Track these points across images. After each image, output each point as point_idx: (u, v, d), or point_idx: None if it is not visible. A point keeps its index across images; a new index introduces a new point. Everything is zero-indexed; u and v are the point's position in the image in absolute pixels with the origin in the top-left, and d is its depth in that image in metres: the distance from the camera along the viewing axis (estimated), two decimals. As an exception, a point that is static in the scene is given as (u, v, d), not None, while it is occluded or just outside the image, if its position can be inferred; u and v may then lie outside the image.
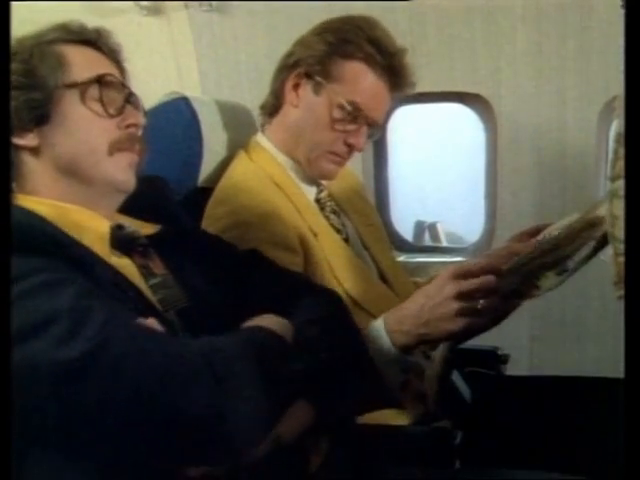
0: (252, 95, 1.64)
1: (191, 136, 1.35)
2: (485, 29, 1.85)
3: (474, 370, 1.43)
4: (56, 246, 0.83)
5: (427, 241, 2.93)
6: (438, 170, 3.35)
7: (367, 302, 1.27)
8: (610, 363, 1.60)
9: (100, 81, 0.95)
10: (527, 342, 2.04)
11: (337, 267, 1.27)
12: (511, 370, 1.49)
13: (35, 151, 0.94)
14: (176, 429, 0.74)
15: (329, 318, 1.00)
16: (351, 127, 1.30)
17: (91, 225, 0.94)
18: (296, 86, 1.32)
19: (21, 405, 0.71)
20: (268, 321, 0.92)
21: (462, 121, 2.23)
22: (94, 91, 0.95)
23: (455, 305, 1.04)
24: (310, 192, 1.37)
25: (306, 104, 1.31)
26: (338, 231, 1.36)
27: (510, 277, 1.03)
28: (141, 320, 0.81)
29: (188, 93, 1.39)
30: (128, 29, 1.96)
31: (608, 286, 0.79)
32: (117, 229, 0.96)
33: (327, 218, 1.36)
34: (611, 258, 0.80)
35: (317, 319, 0.98)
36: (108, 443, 0.74)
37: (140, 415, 0.73)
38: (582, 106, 1.86)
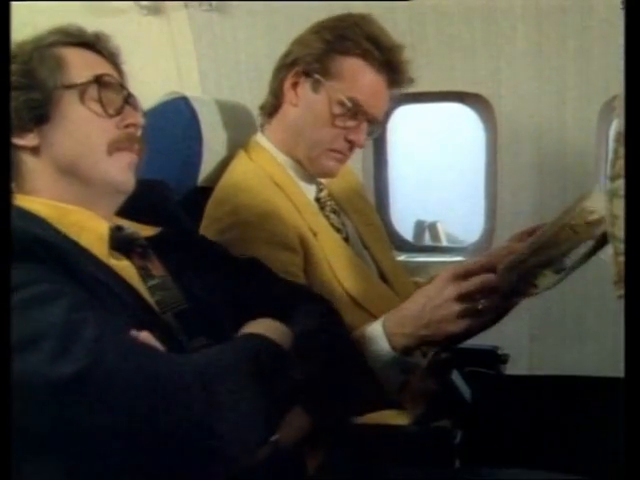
0: (252, 95, 1.63)
1: (191, 136, 1.35)
2: (485, 29, 1.85)
3: (474, 370, 1.43)
4: (50, 253, 0.82)
5: (427, 241, 2.93)
6: (438, 170, 3.35)
7: (367, 302, 1.27)
8: (610, 363, 1.60)
9: (99, 81, 0.96)
10: (527, 342, 2.04)
11: (337, 266, 1.27)
12: (511, 370, 1.49)
13: (35, 151, 0.94)
14: (168, 446, 0.74)
15: (325, 326, 1.00)
16: (351, 123, 1.30)
17: (90, 226, 0.94)
18: (295, 85, 1.32)
19: (15, 420, 0.70)
20: (265, 326, 0.92)
21: (462, 121, 2.23)
22: (93, 91, 0.95)
23: (456, 307, 1.04)
24: (310, 191, 1.37)
25: (305, 102, 1.32)
26: (338, 230, 1.36)
27: (508, 276, 1.03)
28: (134, 333, 0.80)
29: (188, 93, 1.39)
30: (128, 29, 1.96)
31: (608, 286, 0.79)
32: (116, 230, 0.96)
33: (327, 217, 1.36)
34: (611, 257, 0.80)
35: (313, 327, 0.98)
36: (101, 459, 0.75)
37: (132, 433, 0.73)
38: (582, 106, 1.85)
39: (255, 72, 1.96)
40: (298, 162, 1.35)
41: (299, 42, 1.33)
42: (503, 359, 1.46)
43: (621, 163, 0.75)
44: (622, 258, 0.76)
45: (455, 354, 1.26)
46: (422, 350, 1.17)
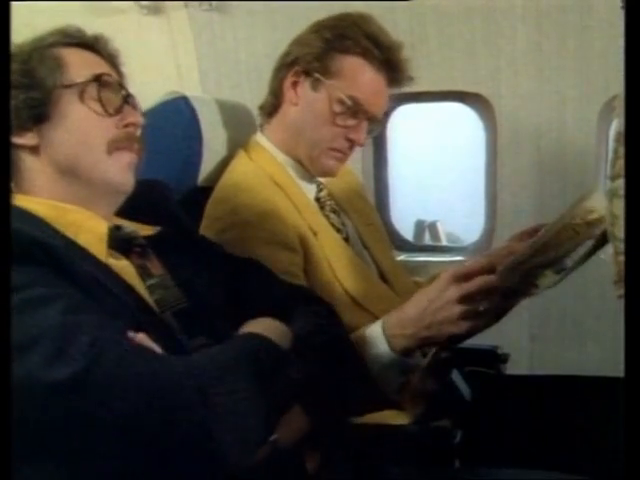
0: (252, 94, 1.63)
1: (191, 135, 1.35)
2: (485, 29, 1.85)
3: (474, 369, 1.43)
4: (48, 255, 0.82)
5: (427, 240, 2.93)
6: (438, 169, 3.35)
7: (367, 301, 1.27)
8: (610, 362, 1.60)
9: (98, 80, 0.96)
10: (527, 341, 2.04)
11: (337, 266, 1.27)
12: (511, 369, 1.49)
13: (34, 150, 0.94)
14: (165, 447, 0.74)
15: (324, 327, 1.00)
16: (351, 122, 1.30)
17: (89, 225, 0.94)
18: (295, 84, 1.32)
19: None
20: (264, 326, 0.92)
21: (462, 120, 2.24)
22: (92, 90, 0.95)
23: (458, 308, 1.05)
24: (310, 191, 1.37)
25: (305, 101, 1.32)
26: (338, 230, 1.36)
27: (509, 276, 1.03)
28: (131, 335, 0.80)
29: (188, 92, 1.39)
30: (128, 28, 1.97)
31: (608, 285, 0.79)
32: (115, 229, 0.96)
33: (327, 217, 1.36)
34: (611, 257, 0.80)
35: (312, 327, 0.98)
36: (97, 462, 0.74)
37: (128, 435, 0.73)
38: (582, 106, 1.85)
39: (255, 72, 1.96)
40: (298, 161, 1.35)
41: (299, 41, 1.33)
42: (503, 359, 1.46)
43: (621, 163, 0.75)
44: (622, 258, 0.76)
45: (455, 354, 1.26)
46: (422, 351, 1.18)
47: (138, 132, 1.00)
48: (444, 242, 2.96)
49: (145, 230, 1.02)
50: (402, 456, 1.09)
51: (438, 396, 1.24)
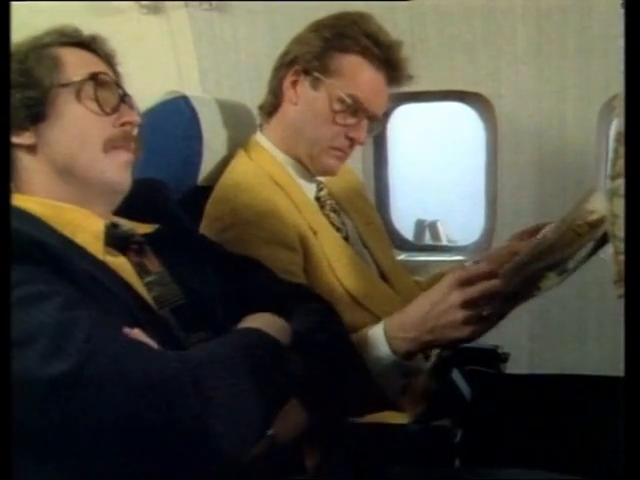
0: (252, 94, 1.63)
1: (191, 135, 1.35)
2: (485, 29, 1.85)
3: (474, 368, 1.43)
4: (45, 254, 0.82)
5: (427, 240, 2.94)
6: (438, 169, 3.35)
7: (367, 300, 1.27)
8: (610, 361, 1.60)
9: (95, 79, 0.96)
10: (527, 340, 2.04)
11: (337, 265, 1.27)
12: (511, 368, 1.49)
13: (31, 149, 0.94)
14: (161, 441, 0.74)
15: (323, 324, 1.00)
16: (351, 121, 1.30)
17: (86, 224, 0.94)
18: (294, 83, 1.32)
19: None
20: (263, 321, 0.92)
21: (462, 120, 2.24)
22: (89, 89, 0.95)
23: (461, 313, 1.05)
24: (310, 190, 1.37)
25: (305, 100, 1.32)
26: (338, 229, 1.36)
27: (511, 280, 1.03)
28: (127, 331, 0.80)
29: (188, 92, 1.39)
30: (128, 28, 1.96)
31: (608, 286, 0.79)
32: (112, 227, 0.96)
33: (327, 216, 1.36)
34: (611, 257, 0.80)
35: (311, 325, 0.98)
36: (95, 458, 0.75)
37: (124, 430, 0.73)
38: (582, 105, 1.86)
39: (255, 71, 1.96)
40: (298, 161, 1.35)
41: (298, 41, 1.33)
42: (503, 358, 1.46)
43: (621, 162, 0.75)
44: (622, 257, 0.76)
45: (455, 353, 1.26)
46: (424, 354, 1.18)
47: (135, 131, 1.00)
48: (444, 241, 2.96)
49: (143, 228, 1.02)
50: (402, 456, 1.08)
51: (438, 396, 1.24)
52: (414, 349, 1.11)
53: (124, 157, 0.98)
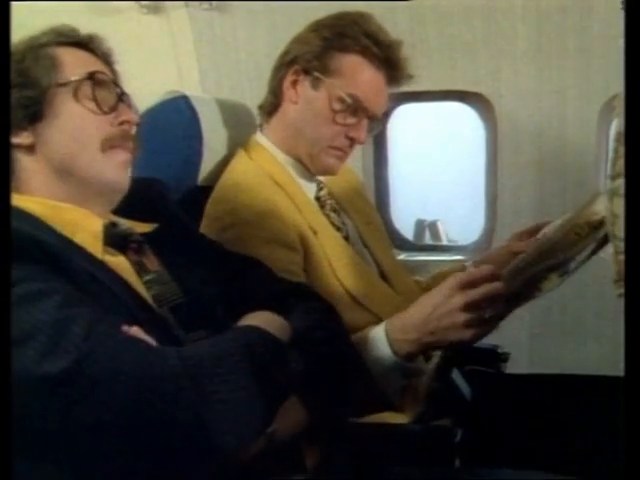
0: (252, 94, 1.63)
1: (191, 135, 1.35)
2: (485, 29, 1.85)
3: (474, 368, 1.43)
4: (45, 253, 0.82)
5: (427, 239, 2.94)
6: (438, 169, 3.35)
7: (367, 300, 1.27)
8: (610, 361, 1.60)
9: (92, 78, 0.96)
10: (527, 340, 2.04)
11: (337, 265, 1.27)
12: (511, 368, 1.49)
13: (29, 149, 0.94)
14: (160, 439, 0.74)
15: (323, 323, 1.00)
16: (351, 120, 1.30)
17: (84, 223, 0.94)
18: (294, 83, 1.32)
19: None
20: (262, 319, 0.92)
21: (462, 120, 2.24)
22: (87, 88, 0.95)
23: (463, 316, 1.05)
24: (310, 190, 1.37)
25: (305, 100, 1.31)
26: (338, 229, 1.36)
27: (513, 282, 1.03)
28: (125, 329, 0.80)
29: (188, 92, 1.39)
30: (128, 28, 1.97)
31: (608, 285, 0.79)
32: (111, 226, 0.96)
33: (327, 216, 1.36)
34: (611, 256, 0.80)
35: (311, 323, 0.98)
36: (93, 456, 0.75)
37: (122, 428, 0.73)
38: (582, 105, 1.86)
39: (255, 71, 1.96)
40: (298, 160, 1.35)
41: (298, 40, 1.33)
42: (503, 358, 1.46)
43: (621, 162, 0.75)
44: (622, 257, 0.76)
45: (455, 353, 1.26)
46: (425, 355, 1.18)
47: (133, 130, 1.00)
48: (444, 241, 2.96)
49: (142, 227, 1.02)
50: (402, 456, 1.08)
51: (438, 396, 1.24)
52: (415, 350, 1.11)
53: (122, 156, 0.98)
